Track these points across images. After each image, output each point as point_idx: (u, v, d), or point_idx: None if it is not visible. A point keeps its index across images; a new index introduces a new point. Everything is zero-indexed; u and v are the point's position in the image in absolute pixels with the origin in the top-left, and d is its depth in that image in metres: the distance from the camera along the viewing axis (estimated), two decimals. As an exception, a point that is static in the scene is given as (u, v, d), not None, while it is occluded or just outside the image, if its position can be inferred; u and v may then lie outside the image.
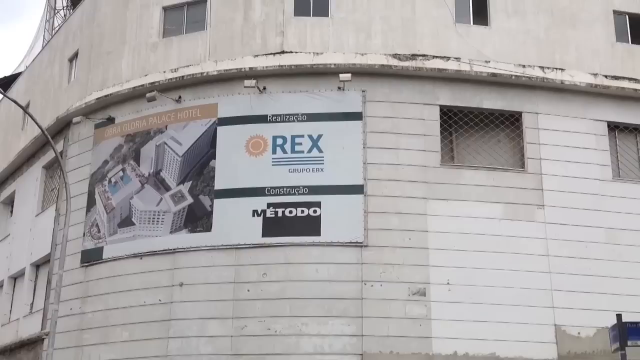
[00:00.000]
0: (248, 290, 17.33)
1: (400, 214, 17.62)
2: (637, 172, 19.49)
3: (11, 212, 25.84)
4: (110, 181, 19.97)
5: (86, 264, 19.52)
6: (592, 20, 19.93)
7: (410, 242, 17.45)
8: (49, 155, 22.60)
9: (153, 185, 19.16)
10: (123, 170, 19.81)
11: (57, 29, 28.03)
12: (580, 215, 18.23)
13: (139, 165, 19.56)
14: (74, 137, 21.43)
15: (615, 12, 20.16)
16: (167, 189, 18.92)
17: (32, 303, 22.37)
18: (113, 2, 21.54)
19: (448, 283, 17.25)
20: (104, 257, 19.23)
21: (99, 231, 19.66)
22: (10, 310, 23.77)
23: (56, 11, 31.32)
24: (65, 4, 31.62)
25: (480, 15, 19.45)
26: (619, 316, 15.24)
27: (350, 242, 17.36)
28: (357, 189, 17.69)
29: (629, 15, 20.32)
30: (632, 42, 20.16)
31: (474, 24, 19.35)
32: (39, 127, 18.40)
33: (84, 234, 19.84)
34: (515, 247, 17.71)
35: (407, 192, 17.79)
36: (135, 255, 18.67)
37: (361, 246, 17.35)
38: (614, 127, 19.46)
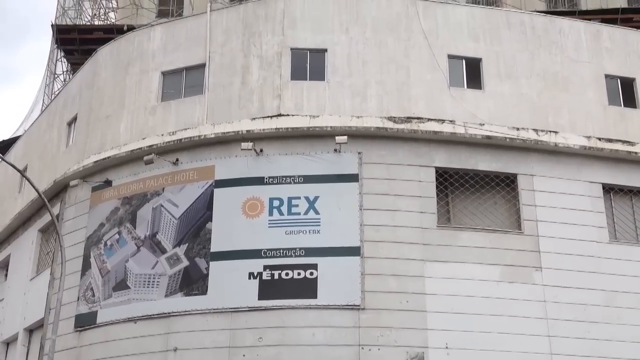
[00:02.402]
0: (243, 355, 17.06)
1: (398, 276, 17.52)
2: (633, 234, 19.50)
3: (6, 275, 25.61)
4: (106, 244, 19.89)
5: (80, 329, 19.25)
6: (584, 84, 20.29)
7: (408, 305, 17.30)
8: (45, 219, 22.56)
9: (149, 248, 19.08)
10: (119, 233, 19.75)
11: (56, 93, 28.37)
12: (579, 277, 18.16)
13: (135, 228, 19.52)
14: (70, 200, 21.44)
15: (606, 76, 20.55)
16: (163, 251, 18.84)
17: (25, 369, 21.96)
18: (113, 67, 21.89)
19: (447, 347, 17.03)
20: (97, 322, 18.99)
21: (93, 295, 19.47)
22: (2, 377, 23.31)
23: (56, 76, 31.74)
24: (65, 69, 32.08)
25: (474, 79, 19.80)
26: (620, 380, 15.02)
27: (347, 305, 17.20)
28: (354, 251, 17.64)
29: (620, 79, 20.70)
30: (624, 105, 20.48)
31: (467, 87, 19.68)
32: (36, 189, 18.42)
33: (78, 298, 19.64)
34: (513, 310, 17.57)
35: (404, 254, 17.74)
36: (129, 320, 18.44)
37: (358, 309, 17.18)
38: (609, 189, 19.55)
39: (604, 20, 24.84)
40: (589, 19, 23.98)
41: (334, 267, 17.51)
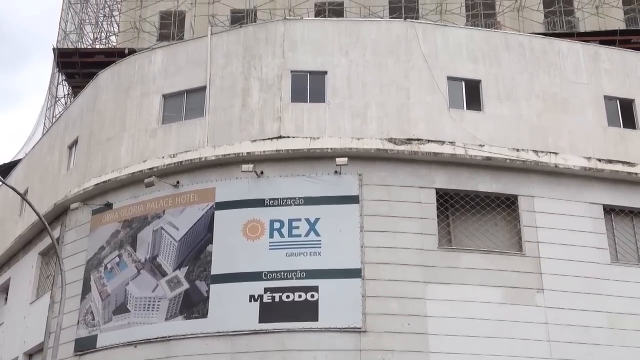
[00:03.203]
0: (244, 378, 16.94)
1: (399, 298, 17.45)
2: (634, 256, 19.44)
3: (6, 299, 25.51)
4: (106, 267, 19.84)
5: (79, 353, 19.13)
6: (583, 105, 20.35)
7: (409, 327, 17.21)
8: (46, 242, 22.52)
9: (149, 271, 19.03)
10: (119, 256, 19.71)
11: (57, 116, 28.47)
12: (580, 299, 18.08)
13: (135, 251, 19.48)
14: (71, 224, 21.42)
15: (605, 97, 20.60)
16: (163, 274, 18.78)
17: (24, 394, 21.80)
18: (114, 90, 21.99)
19: (448, 369, 16.90)
20: (97, 346, 18.88)
21: (93, 319, 19.38)
22: (1, 402, 23.12)
23: (57, 99, 31.87)
24: (66, 92, 32.22)
25: (474, 100, 19.87)
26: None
27: (349, 328, 17.10)
28: (355, 273, 17.58)
29: (619, 100, 20.76)
30: (623, 126, 20.52)
31: (467, 109, 19.74)
32: (36, 213, 18.41)
33: (78, 321, 19.55)
34: (515, 332, 17.48)
35: (406, 276, 17.68)
36: (129, 344, 18.33)
37: (359, 331, 17.08)
38: (609, 210, 19.53)
39: (602, 42, 24.95)
40: (588, 41, 24.07)
41: (335, 289, 17.44)
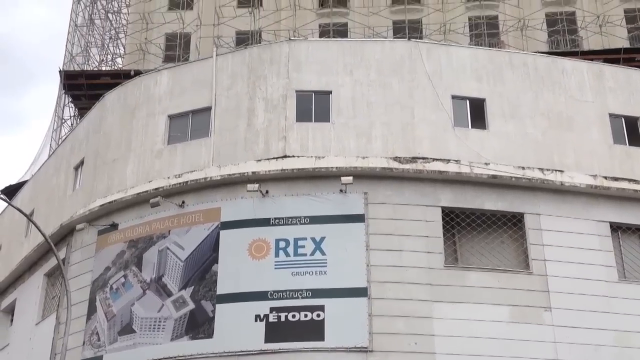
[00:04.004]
0: (250, 399, 16.83)
1: (406, 317, 17.35)
2: (642, 273, 19.33)
3: (11, 320, 25.47)
4: (111, 288, 19.81)
5: (85, 374, 19.06)
6: (588, 123, 20.34)
7: (416, 347, 17.10)
8: (51, 263, 22.52)
9: (155, 291, 18.98)
10: (125, 276, 19.68)
11: (63, 138, 28.61)
12: (588, 317, 17.97)
13: (141, 271, 19.46)
14: (76, 244, 21.43)
15: (610, 115, 20.60)
16: (169, 294, 18.74)
17: (29, 416, 21.68)
18: (120, 111, 22.09)
19: (456, 389, 16.76)
20: (103, 366, 18.80)
21: (99, 339, 19.31)
22: None
23: (63, 120, 32.06)
24: (72, 114, 32.42)
25: (478, 119, 19.88)
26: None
27: (355, 347, 17.01)
28: (361, 292, 17.51)
29: (624, 118, 20.75)
30: (629, 144, 20.48)
31: (472, 127, 19.75)
32: (42, 233, 18.43)
33: (83, 342, 19.49)
34: (523, 351, 17.36)
35: (412, 295, 17.60)
36: (135, 364, 18.25)
37: (366, 351, 16.98)
38: (616, 228, 19.45)
39: (606, 60, 25.05)
40: (592, 59, 24.18)
41: (341, 308, 17.37)
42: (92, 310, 19.86)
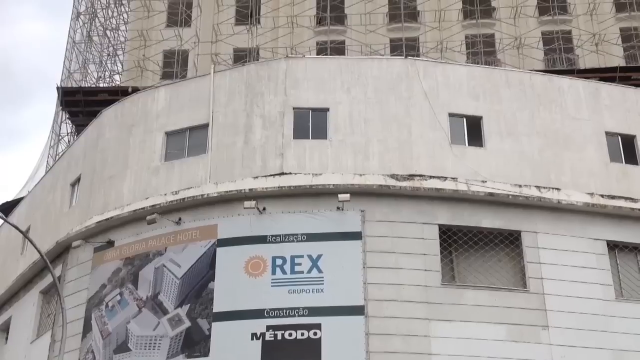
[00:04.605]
0: (246, 418, 16.70)
1: (403, 336, 17.28)
2: (639, 292, 19.25)
3: (6, 339, 25.29)
4: (107, 305, 19.70)
5: (79, 392, 18.91)
6: (585, 141, 20.38)
7: (413, 366, 17.00)
8: (47, 280, 22.40)
9: (150, 309, 18.88)
10: (121, 294, 19.58)
11: (60, 154, 28.59)
12: (586, 336, 17.91)
13: (137, 289, 19.36)
14: (72, 261, 21.34)
15: (607, 133, 20.64)
16: (165, 312, 18.63)
17: None
18: (117, 128, 22.09)
19: (454, 408, 16.66)
20: (98, 385, 18.67)
21: (94, 358, 19.21)
22: None
23: (60, 137, 32.06)
24: (69, 131, 32.43)
25: (475, 137, 19.92)
26: None
27: (352, 366, 16.91)
28: (358, 310, 17.44)
29: (621, 136, 20.79)
30: (625, 162, 20.50)
31: (469, 145, 19.78)
32: (38, 251, 18.34)
33: (78, 360, 19.36)
34: (521, 370, 17.25)
35: (409, 313, 17.53)
36: (130, 382, 18.13)
37: (363, 370, 16.88)
38: (613, 246, 19.43)
39: (602, 79, 25.14)
40: (588, 78, 24.25)
41: (338, 326, 17.28)
42: (87, 328, 19.73)
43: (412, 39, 33.07)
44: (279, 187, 18.82)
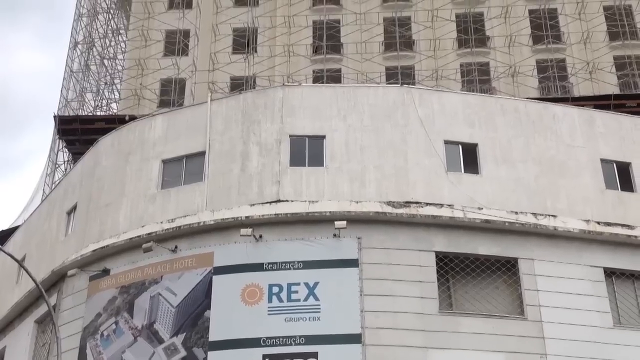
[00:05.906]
0: None
1: (400, 364, 17.14)
2: (637, 319, 19.19)
3: (0, 369, 25.05)
4: (102, 335, 19.54)
5: (73, 423, 18.68)
6: (580, 168, 20.44)
7: (411, 394, 16.85)
8: (42, 309, 22.22)
9: (146, 338, 18.73)
10: (116, 323, 19.44)
11: (57, 182, 28.56)
12: (584, 364, 17.77)
13: (132, 318, 19.23)
14: (67, 290, 21.21)
15: (602, 160, 20.70)
16: (160, 341, 18.49)
17: None
18: (114, 156, 22.11)
19: None
20: (92, 415, 18.45)
21: (88, 387, 18.99)
22: None
23: (57, 165, 32.07)
24: (66, 159, 32.45)
25: (471, 164, 19.97)
26: None
27: (349, 395, 16.76)
28: (355, 338, 17.31)
29: (616, 163, 20.84)
30: (621, 189, 20.53)
31: (465, 172, 19.82)
32: (33, 279, 18.22)
33: (72, 390, 19.15)
34: (520, 399, 17.11)
35: (406, 341, 17.42)
36: (125, 413, 17.93)
37: (360, 399, 16.73)
38: (610, 273, 19.38)
39: (596, 106, 25.28)
40: (582, 105, 24.41)
41: (335, 355, 17.15)
42: (82, 357, 19.55)
43: (408, 67, 33.34)
44: (275, 215, 18.81)
